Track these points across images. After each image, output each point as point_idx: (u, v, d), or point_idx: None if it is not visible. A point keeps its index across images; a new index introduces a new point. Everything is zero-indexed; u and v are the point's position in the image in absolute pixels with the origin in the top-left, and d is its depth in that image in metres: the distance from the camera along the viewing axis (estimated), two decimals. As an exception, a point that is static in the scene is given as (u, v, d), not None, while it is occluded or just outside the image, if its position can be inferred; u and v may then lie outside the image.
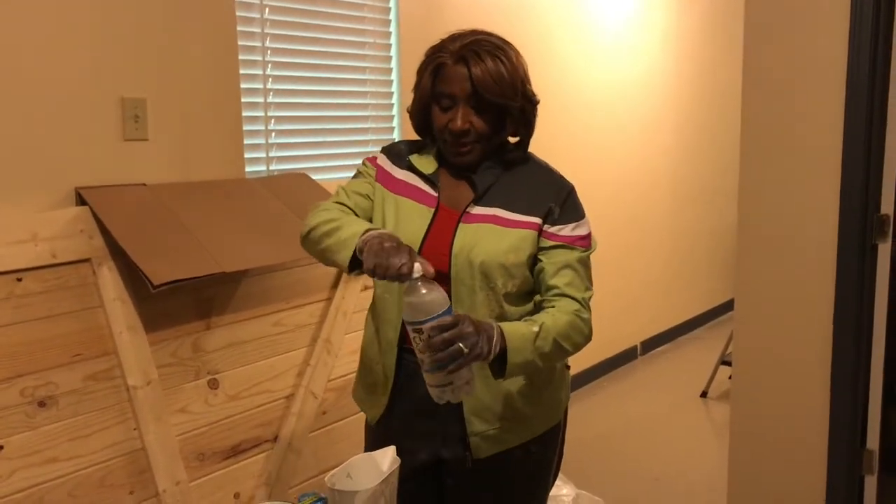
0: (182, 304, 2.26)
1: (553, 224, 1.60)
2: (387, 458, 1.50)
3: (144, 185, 2.33)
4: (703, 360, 4.97)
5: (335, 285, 2.66)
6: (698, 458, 3.80)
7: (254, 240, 2.37)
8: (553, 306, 1.57)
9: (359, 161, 3.06)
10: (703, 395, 4.53)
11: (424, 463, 1.67)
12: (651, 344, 5.32)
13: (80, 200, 2.18)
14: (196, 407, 2.25)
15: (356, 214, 1.67)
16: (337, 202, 1.68)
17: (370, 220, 1.69)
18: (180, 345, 2.24)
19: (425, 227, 1.62)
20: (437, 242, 1.61)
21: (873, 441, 2.61)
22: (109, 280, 2.12)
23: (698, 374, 4.71)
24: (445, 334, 1.37)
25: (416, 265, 1.37)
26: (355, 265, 1.49)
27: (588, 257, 1.63)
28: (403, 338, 1.67)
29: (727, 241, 6.20)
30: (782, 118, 2.62)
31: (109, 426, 2.07)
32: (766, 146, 2.67)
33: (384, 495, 1.40)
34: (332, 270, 2.66)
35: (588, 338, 1.58)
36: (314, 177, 2.81)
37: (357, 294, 2.69)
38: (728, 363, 4.45)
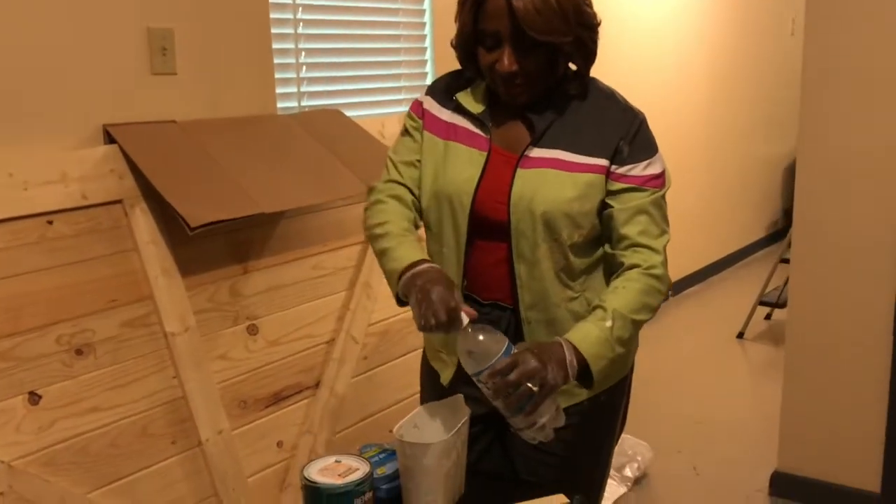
0: (217, 247, 2.16)
1: (622, 164, 1.46)
2: (455, 407, 1.40)
3: (174, 121, 2.20)
4: (736, 299, 4.86)
5: (372, 226, 2.55)
6: (739, 399, 3.72)
7: (290, 179, 2.25)
8: (622, 263, 1.45)
9: (392, 97, 2.93)
10: (740, 335, 4.44)
11: (491, 411, 1.58)
12: (683, 284, 5.21)
13: (109, 138, 2.06)
14: (236, 353, 2.16)
15: (412, 193, 1.57)
16: (390, 181, 1.58)
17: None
18: (217, 289, 2.14)
19: (478, 175, 1.48)
20: (493, 190, 1.48)
21: (936, 380, 2.52)
22: (143, 222, 2.01)
23: (733, 314, 4.61)
24: (509, 377, 1.27)
25: (463, 314, 1.30)
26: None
27: (662, 197, 1.49)
28: (466, 296, 1.57)
29: (761, 177, 6.07)
30: (847, 41, 2.47)
31: (148, 374, 1.99)
32: (830, 72, 2.52)
33: (456, 447, 1.31)
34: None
35: (666, 293, 1.47)
36: (347, 113, 2.67)
37: (395, 235, 2.58)
38: (767, 303, 4.35)
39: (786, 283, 4.39)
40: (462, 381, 1.58)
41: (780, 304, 4.22)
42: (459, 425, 1.32)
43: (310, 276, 2.36)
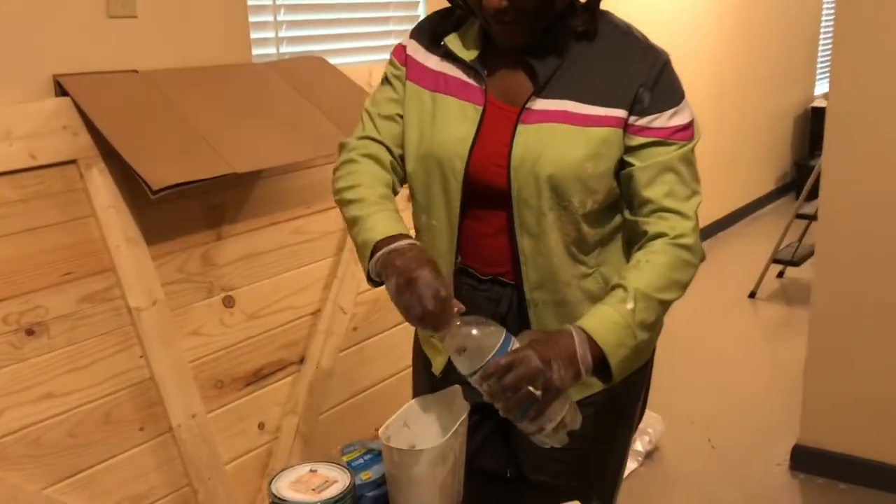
0: (187, 211, 1.94)
1: (643, 114, 1.24)
2: (452, 401, 1.20)
3: (135, 71, 1.97)
4: (746, 257, 4.66)
5: (361, 186, 2.33)
6: (755, 365, 3.54)
7: (267, 135, 2.03)
8: (646, 232, 1.24)
9: (380, 42, 2.68)
10: (752, 295, 4.24)
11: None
12: (689, 241, 4.99)
13: (60, 91, 1.82)
14: (210, 328, 1.96)
15: (391, 152, 1.35)
16: (364, 137, 1.35)
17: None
18: (188, 258, 1.93)
19: (472, 133, 1.26)
20: (490, 151, 1.26)
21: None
22: (101, 185, 1.79)
23: (743, 273, 4.41)
24: (505, 381, 1.07)
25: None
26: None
27: (691, 151, 1.28)
28: (461, 270, 1.35)
29: (771, 128, 5.84)
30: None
31: (111, 355, 1.78)
32: (864, 14, 2.29)
33: (452, 451, 1.11)
34: (357, 169, 2.32)
35: (698, 265, 1.26)
36: (330, 60, 2.43)
37: (386, 195, 2.36)
38: (781, 261, 4.15)
39: (800, 239, 4.19)
40: (457, 375, 1.39)
41: (796, 262, 4.02)
42: (456, 425, 1.12)
43: (291, 242, 2.15)
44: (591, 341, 1.14)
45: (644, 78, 1.24)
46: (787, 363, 3.20)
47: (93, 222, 1.78)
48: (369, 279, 1.25)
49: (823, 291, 2.49)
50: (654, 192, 1.24)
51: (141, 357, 1.83)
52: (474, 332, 1.08)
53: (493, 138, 1.26)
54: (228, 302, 2.01)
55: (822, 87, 6.51)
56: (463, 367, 1.09)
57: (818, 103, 6.21)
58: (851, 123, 2.34)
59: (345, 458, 1.20)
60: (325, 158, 2.20)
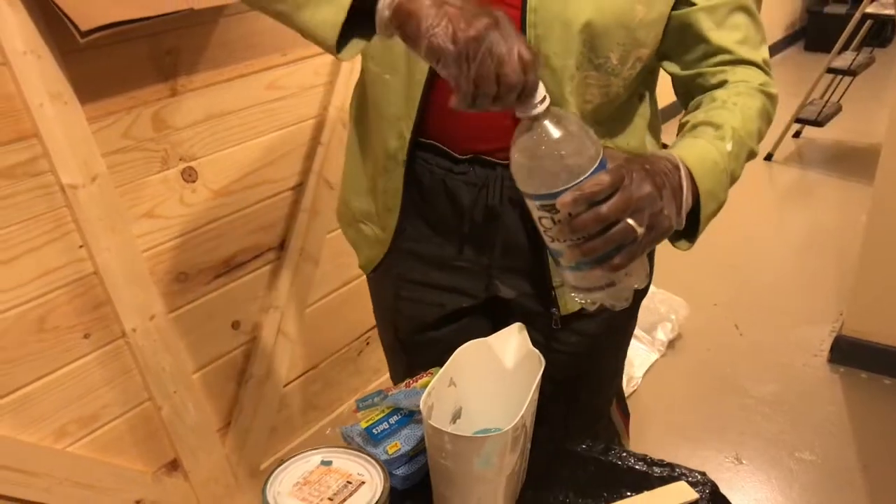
0: (132, 59, 1.51)
1: None
2: (511, 345, 0.85)
3: None
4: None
5: (348, 28, 1.89)
6: (770, 230, 3.23)
7: (230, -42, 1.57)
8: (722, 81, 0.94)
9: None
10: (769, 157, 3.89)
11: (475, 305, 1.11)
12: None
13: None
14: (168, 209, 1.58)
15: None
16: None
17: None
18: (135, 120, 1.52)
19: None
20: None
21: None
22: (14, 24, 1.34)
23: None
24: (603, 209, 0.72)
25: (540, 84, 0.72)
26: (350, 39, 0.78)
27: None
28: (416, 142, 1.01)
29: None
30: None
31: (41, 245, 1.40)
32: None
33: (525, 426, 0.77)
34: (343, 7, 1.88)
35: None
36: None
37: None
38: (803, 120, 3.79)
39: (827, 97, 3.80)
40: (393, 277, 1.09)
41: (820, 122, 3.65)
42: (532, 391, 0.77)
43: (264, 99, 1.73)
44: (692, 180, 0.84)
45: None
46: (809, 229, 2.88)
47: (5, 73, 1.35)
48: (339, 46, 0.80)
49: (889, 168, 2.13)
50: (725, 37, 0.94)
51: (81, 247, 1.45)
52: (556, 132, 0.72)
53: None
54: (189, 175, 1.61)
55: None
56: (534, 181, 0.73)
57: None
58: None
59: (362, 423, 0.86)
60: (305, -7, 1.75)
